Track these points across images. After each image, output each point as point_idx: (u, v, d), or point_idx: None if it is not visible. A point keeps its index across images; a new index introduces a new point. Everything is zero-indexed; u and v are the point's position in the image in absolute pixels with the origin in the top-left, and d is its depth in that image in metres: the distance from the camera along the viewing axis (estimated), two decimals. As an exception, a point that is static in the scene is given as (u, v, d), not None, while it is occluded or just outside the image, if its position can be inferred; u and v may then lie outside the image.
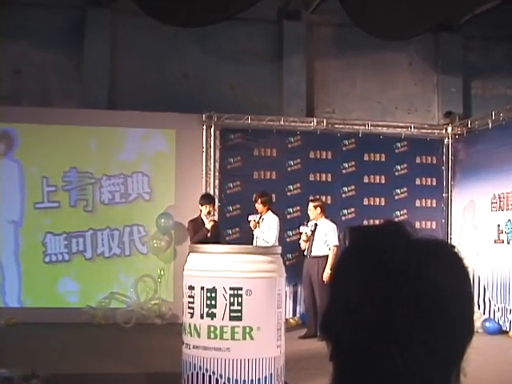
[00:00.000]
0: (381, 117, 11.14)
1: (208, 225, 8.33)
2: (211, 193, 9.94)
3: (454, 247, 0.97)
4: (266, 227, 8.60)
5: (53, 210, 9.69)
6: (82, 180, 9.83)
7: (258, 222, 8.60)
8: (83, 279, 9.65)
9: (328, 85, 11.31)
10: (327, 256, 8.26)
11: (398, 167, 10.54)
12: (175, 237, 9.81)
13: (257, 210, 8.71)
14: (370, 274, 0.92)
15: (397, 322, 0.89)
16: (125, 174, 9.90)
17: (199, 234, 8.27)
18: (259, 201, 8.66)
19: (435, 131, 10.80)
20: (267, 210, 8.71)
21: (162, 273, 9.69)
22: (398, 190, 10.50)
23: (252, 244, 8.57)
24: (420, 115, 11.50)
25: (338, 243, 8.34)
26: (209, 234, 8.28)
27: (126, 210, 9.86)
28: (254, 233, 8.69)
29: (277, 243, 8.47)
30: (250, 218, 8.66)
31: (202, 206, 8.44)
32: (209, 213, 8.51)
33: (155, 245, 9.67)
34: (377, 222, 10.29)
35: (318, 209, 8.52)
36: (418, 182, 10.62)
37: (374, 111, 11.32)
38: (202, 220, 8.41)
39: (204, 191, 9.79)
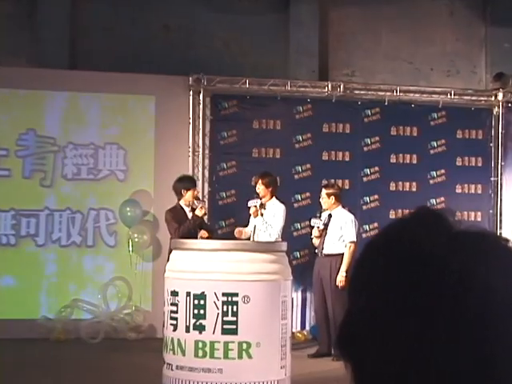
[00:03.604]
0: (412, 80, 11.12)
1: (199, 211, 8.38)
2: (199, 175, 9.96)
3: (507, 241, 0.96)
4: (270, 216, 8.60)
5: (0, 179, 9.70)
6: (41, 146, 9.83)
7: (260, 208, 8.60)
8: (32, 273, 9.65)
9: (346, 40, 11.27)
10: (343, 255, 8.28)
11: (434, 144, 10.55)
12: (155, 230, 9.83)
13: (258, 195, 8.71)
14: (402, 275, 0.91)
15: (438, 338, 0.88)
16: (96, 144, 9.93)
17: (187, 225, 8.30)
18: (260, 182, 8.67)
19: (482, 98, 10.79)
20: (271, 196, 8.72)
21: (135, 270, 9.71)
22: (434, 173, 10.51)
23: (250, 238, 8.59)
24: (463, 78, 11.48)
25: (355, 239, 8.36)
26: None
27: (93, 189, 9.88)
28: (253, 223, 8.69)
29: (280, 238, 8.49)
30: (250, 203, 8.66)
31: (186, 190, 8.50)
32: (197, 198, 8.60)
33: (136, 239, 9.69)
34: (406, 211, 10.33)
35: (332, 198, 8.53)
36: (459, 162, 10.63)
37: (404, 73, 11.30)
38: (182, 208, 8.47)
39: (191, 173, 9.80)
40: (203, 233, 8.42)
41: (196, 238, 8.24)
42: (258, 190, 8.72)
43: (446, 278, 0.89)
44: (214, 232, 8.95)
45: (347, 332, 0.95)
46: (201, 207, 8.47)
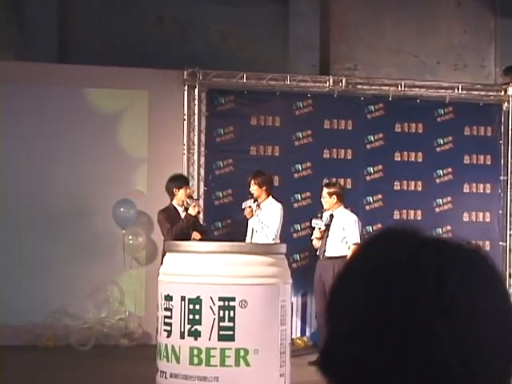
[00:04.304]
0: (418, 75, 11.12)
1: (192, 210, 8.40)
2: (195, 173, 9.97)
3: (480, 248, 1.03)
4: (266, 217, 8.62)
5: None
6: None
7: (255, 208, 8.64)
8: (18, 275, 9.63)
9: (348, 33, 11.28)
10: (346, 257, 8.27)
11: (441, 141, 10.55)
12: (149, 231, 9.84)
13: (252, 195, 8.75)
14: (381, 287, 0.96)
15: (425, 340, 0.92)
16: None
17: (180, 225, 8.33)
18: (253, 182, 8.70)
19: (491, 93, 10.79)
20: (267, 195, 8.74)
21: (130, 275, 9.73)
22: (441, 171, 10.51)
23: (247, 240, 8.60)
24: (471, 72, 11.48)
25: (359, 240, 8.36)
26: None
27: (83, 188, 9.90)
28: (251, 225, 8.71)
29: (278, 239, 8.51)
30: (245, 204, 8.70)
31: (178, 189, 8.56)
32: (190, 197, 8.64)
33: (131, 241, 9.69)
34: (411, 212, 10.36)
35: (334, 197, 8.54)
36: (466, 160, 10.63)
37: (409, 67, 11.30)
38: (175, 208, 8.51)
39: (185, 172, 9.80)
40: (195, 234, 8.44)
41: (190, 239, 8.27)
42: (251, 191, 8.75)
43: (423, 283, 0.94)
44: (207, 233, 8.96)
45: (328, 352, 1.02)
46: (194, 206, 8.51)
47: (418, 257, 0.96)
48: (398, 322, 0.93)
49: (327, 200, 8.57)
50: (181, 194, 8.58)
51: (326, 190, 8.64)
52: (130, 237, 9.71)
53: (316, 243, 8.62)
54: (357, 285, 0.99)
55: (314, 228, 8.69)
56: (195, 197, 9.46)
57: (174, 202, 8.61)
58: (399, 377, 0.93)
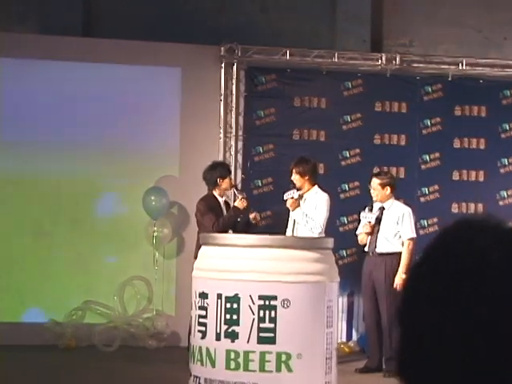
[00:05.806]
0: (481, 51, 11.01)
1: (240, 203, 8.48)
2: (232, 160, 9.98)
3: None
4: (311, 209, 8.58)
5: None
6: None
7: (298, 200, 8.61)
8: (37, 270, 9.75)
9: (403, 4, 11.20)
10: (399, 254, 8.24)
11: (506, 126, 10.46)
12: (178, 222, 9.88)
13: (294, 185, 8.71)
14: (454, 287, 0.96)
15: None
16: None
17: (227, 218, 8.34)
18: (294, 171, 8.64)
19: None
20: (311, 185, 8.68)
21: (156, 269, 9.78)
22: (505, 160, 10.42)
23: (289, 233, 8.59)
24: (540, 49, 11.35)
25: (414, 235, 8.31)
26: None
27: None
28: (292, 216, 8.68)
29: (323, 234, 8.48)
30: (287, 195, 8.64)
31: (222, 179, 8.55)
32: (236, 187, 8.69)
33: (155, 233, 9.74)
34: (471, 205, 10.28)
35: (388, 188, 8.49)
36: (535, 147, 10.54)
37: (472, 43, 11.20)
38: (216, 199, 8.51)
39: (222, 157, 9.81)
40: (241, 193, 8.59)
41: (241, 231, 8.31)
42: (293, 180, 8.70)
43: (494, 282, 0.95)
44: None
45: (405, 358, 1.02)
46: (241, 199, 8.50)
47: (493, 253, 0.96)
48: (474, 325, 0.93)
49: (379, 192, 8.49)
50: (226, 184, 8.58)
51: (376, 181, 8.55)
52: (155, 228, 9.73)
53: (363, 238, 8.57)
54: (430, 284, 0.99)
55: (361, 221, 8.65)
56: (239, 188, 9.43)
57: (215, 192, 8.60)
58: (475, 381, 0.93)
